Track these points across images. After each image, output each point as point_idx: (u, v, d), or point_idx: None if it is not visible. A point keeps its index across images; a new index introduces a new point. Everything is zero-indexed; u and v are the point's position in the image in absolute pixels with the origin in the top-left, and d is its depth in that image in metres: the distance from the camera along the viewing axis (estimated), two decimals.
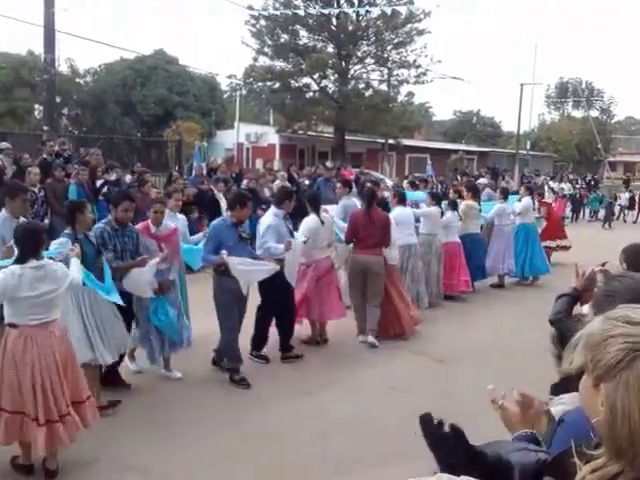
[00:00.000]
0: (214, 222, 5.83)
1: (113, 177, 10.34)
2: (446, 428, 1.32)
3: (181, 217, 6.43)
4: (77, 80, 33.43)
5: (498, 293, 9.87)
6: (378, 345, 6.63)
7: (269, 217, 6.11)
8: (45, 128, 13.52)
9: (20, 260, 3.66)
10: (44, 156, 10.27)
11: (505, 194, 10.54)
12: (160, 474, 3.94)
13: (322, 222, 6.51)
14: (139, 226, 5.47)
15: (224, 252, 5.25)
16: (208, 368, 5.83)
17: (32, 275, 3.62)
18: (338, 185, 8.68)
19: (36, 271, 3.66)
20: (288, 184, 13.92)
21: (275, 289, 5.80)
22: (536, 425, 1.64)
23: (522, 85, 34.24)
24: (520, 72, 40.56)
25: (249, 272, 5.38)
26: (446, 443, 1.30)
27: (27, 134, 21.17)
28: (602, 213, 23.55)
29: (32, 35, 67.74)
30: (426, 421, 1.33)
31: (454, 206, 9.22)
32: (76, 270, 4.04)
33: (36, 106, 32.32)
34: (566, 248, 12.23)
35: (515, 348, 6.60)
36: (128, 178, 11.96)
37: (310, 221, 6.50)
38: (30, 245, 3.71)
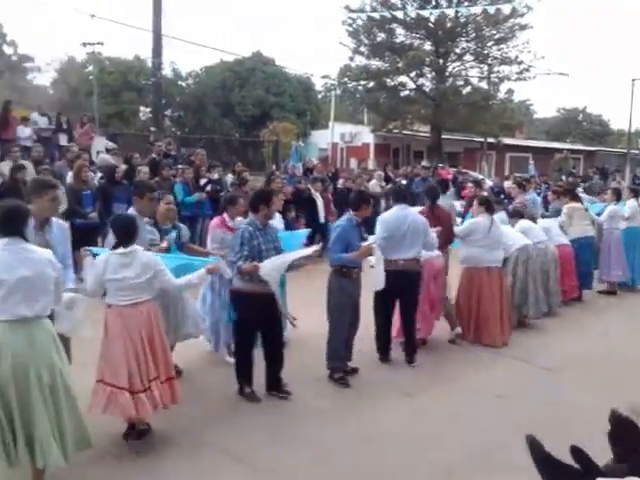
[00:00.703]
0: (339, 222, 5.67)
1: (215, 176, 10.57)
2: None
3: (277, 216, 6.43)
4: (179, 83, 34.82)
5: (608, 300, 9.26)
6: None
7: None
8: (152, 129, 14.13)
9: (113, 247, 4.05)
10: (153, 156, 10.66)
11: (617, 195, 9.81)
12: (266, 468, 4.00)
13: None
14: (216, 220, 5.69)
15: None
16: (308, 366, 5.73)
17: (117, 261, 3.98)
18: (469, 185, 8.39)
19: (122, 258, 3.99)
20: (384, 184, 13.77)
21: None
22: None
23: (634, 80, 32.31)
24: (631, 66, 38.18)
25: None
26: (556, 468, 1.18)
27: (135, 134, 22.29)
28: None
29: (139, 40, 71.44)
30: (532, 442, 1.20)
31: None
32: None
33: (141, 108, 34.04)
34: None
35: (626, 358, 6.23)
36: (229, 177, 12.22)
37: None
38: (121, 235, 4.07)
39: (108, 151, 12.47)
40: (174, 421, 4.43)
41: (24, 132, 13.26)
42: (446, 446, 4.32)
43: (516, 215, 8.01)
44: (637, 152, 33.72)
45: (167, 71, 31.67)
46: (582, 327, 7.66)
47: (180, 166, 10.73)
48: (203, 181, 10.42)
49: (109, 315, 4.02)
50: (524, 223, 7.81)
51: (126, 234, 4.06)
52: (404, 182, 14.59)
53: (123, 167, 9.49)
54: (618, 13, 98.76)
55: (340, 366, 5.50)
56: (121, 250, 4.00)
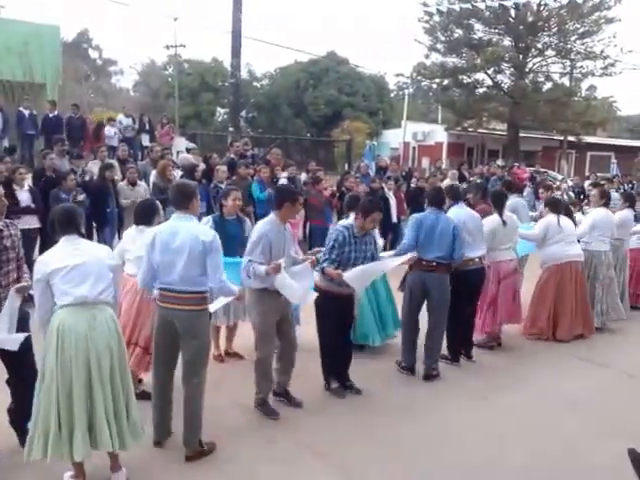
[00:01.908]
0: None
1: (284, 174, 10.65)
2: None
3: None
4: (254, 84, 35.51)
5: None
6: None
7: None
8: (230, 129, 14.42)
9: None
10: (231, 156, 10.89)
11: None
12: (337, 461, 4.05)
13: (504, 222, 6.19)
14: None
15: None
16: (384, 365, 5.80)
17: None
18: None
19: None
20: (458, 183, 13.50)
21: None
22: None
23: None
24: None
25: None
26: None
27: (212, 135, 22.88)
28: None
29: (217, 42, 73.23)
30: (635, 456, 1.28)
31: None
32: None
33: (218, 109, 34.95)
34: None
35: None
36: (303, 176, 12.32)
37: (490, 221, 6.21)
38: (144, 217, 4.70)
39: (188, 151, 12.84)
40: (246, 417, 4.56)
41: (110, 132, 13.91)
42: (522, 450, 4.25)
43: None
44: None
45: (243, 72, 32.44)
46: None
47: (256, 166, 10.91)
48: (280, 180, 10.54)
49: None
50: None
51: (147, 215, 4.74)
52: (479, 182, 14.24)
53: (202, 166, 9.71)
54: None
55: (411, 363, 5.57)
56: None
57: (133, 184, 8.38)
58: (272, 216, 4.49)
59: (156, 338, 3.99)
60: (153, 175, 9.07)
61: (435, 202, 5.50)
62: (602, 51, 24.40)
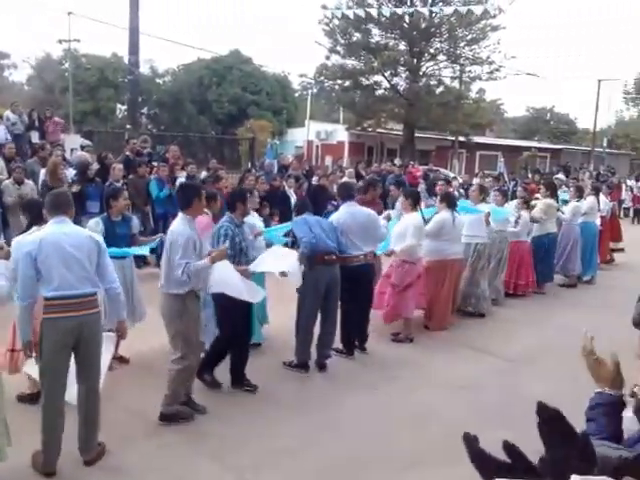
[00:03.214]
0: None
1: (183, 173, 10.74)
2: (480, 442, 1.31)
3: (255, 214, 6.48)
4: (157, 80, 34.89)
5: (568, 294, 9.61)
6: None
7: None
8: (128, 126, 14.31)
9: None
10: (127, 153, 10.86)
11: (580, 192, 10.28)
12: (230, 463, 4.02)
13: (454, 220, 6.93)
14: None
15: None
16: (271, 361, 5.85)
17: None
18: (392, 188, 8.73)
19: None
20: (354, 181, 14.16)
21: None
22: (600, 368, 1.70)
23: (599, 81, 33.24)
24: (597, 67, 39.33)
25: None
26: (489, 463, 1.28)
27: (111, 132, 22.39)
28: None
29: (116, 37, 70.93)
30: (467, 439, 1.30)
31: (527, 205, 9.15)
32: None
33: (118, 106, 34.05)
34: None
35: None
36: (203, 174, 12.43)
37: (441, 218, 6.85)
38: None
39: (82, 148, 12.65)
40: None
41: None
42: (411, 437, 4.37)
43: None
44: (601, 150, 34.67)
45: (144, 68, 31.78)
46: (543, 319, 7.88)
47: (155, 163, 10.95)
48: (180, 178, 10.64)
49: None
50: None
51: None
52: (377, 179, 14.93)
53: (96, 165, 9.62)
54: (585, 16, 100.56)
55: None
56: None
57: (19, 183, 8.29)
58: (182, 216, 4.43)
59: (54, 356, 3.64)
60: (42, 173, 8.96)
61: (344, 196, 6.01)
62: (488, 57, 26.16)
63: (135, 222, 5.62)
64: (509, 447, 1.24)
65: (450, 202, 7.18)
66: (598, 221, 10.69)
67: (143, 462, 3.96)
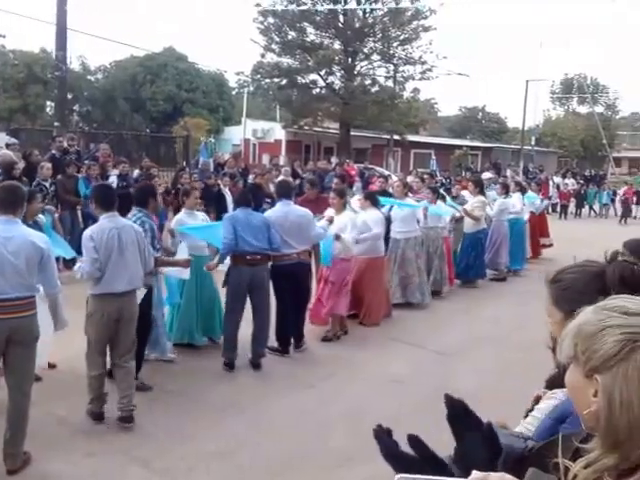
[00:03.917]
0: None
1: (115, 172, 10.62)
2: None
3: (200, 214, 6.45)
4: (88, 77, 33.98)
5: (498, 287, 9.91)
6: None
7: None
8: (56, 124, 13.93)
9: None
10: (53, 152, 10.61)
11: (506, 189, 10.68)
12: (160, 467, 3.95)
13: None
14: None
15: None
16: (200, 359, 5.86)
17: None
18: (335, 181, 8.94)
19: None
20: (291, 179, 14.31)
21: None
22: None
23: (527, 81, 34.56)
24: (526, 68, 40.89)
25: None
26: (399, 455, 1.28)
27: (38, 130, 21.67)
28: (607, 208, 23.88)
29: (45, 33, 68.46)
30: (378, 435, 1.31)
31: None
32: None
33: (48, 103, 32.95)
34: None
35: (516, 341, 6.50)
36: (136, 173, 12.29)
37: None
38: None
39: (7, 146, 12.26)
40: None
41: None
42: (345, 433, 4.38)
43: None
44: (530, 148, 36.07)
45: (75, 65, 30.90)
46: (474, 312, 8.08)
47: (86, 162, 10.76)
48: (112, 177, 10.50)
49: None
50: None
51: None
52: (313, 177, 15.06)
53: (22, 163, 9.38)
54: (514, 18, 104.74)
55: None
56: None
57: None
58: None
59: None
60: None
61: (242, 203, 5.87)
62: (420, 57, 26.83)
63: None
64: (414, 440, 1.23)
65: (374, 201, 7.36)
66: (526, 217, 11.10)
67: (69, 470, 3.85)
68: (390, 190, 9.14)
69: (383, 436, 1.32)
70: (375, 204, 7.33)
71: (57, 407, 4.65)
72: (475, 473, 1.05)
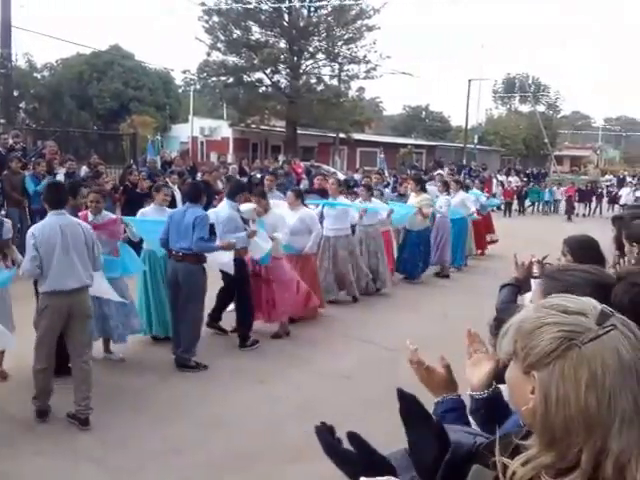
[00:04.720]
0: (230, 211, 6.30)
1: (62, 170, 10.71)
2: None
3: (169, 211, 6.42)
4: (34, 74, 33.40)
5: (443, 282, 10.16)
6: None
7: (225, 209, 6.37)
8: (1, 121, 14.00)
9: None
10: None
11: (447, 187, 10.90)
12: (113, 465, 3.96)
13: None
14: (80, 214, 5.57)
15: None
16: (153, 355, 5.96)
17: None
18: (268, 177, 9.19)
19: None
20: (238, 177, 14.69)
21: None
22: (477, 368, 1.64)
23: (470, 80, 35.57)
24: (468, 68, 42.01)
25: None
26: (340, 452, 1.29)
27: None
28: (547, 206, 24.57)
29: None
30: (321, 432, 1.30)
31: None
32: None
33: None
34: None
35: (461, 336, 6.99)
36: (84, 170, 12.44)
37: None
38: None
39: None
40: None
41: None
42: (295, 429, 4.35)
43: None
44: (472, 147, 37.09)
45: (21, 62, 30.36)
46: (421, 307, 8.21)
47: (33, 159, 10.90)
48: (59, 174, 10.64)
49: None
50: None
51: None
52: (259, 175, 15.38)
53: None
54: (458, 19, 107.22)
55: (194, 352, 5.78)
56: None
57: None
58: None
59: None
60: None
61: (191, 197, 5.85)
62: (365, 56, 27.40)
63: (7, 227, 5.29)
64: (353, 438, 1.24)
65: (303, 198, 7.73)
66: (469, 212, 11.29)
67: (18, 468, 3.85)
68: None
69: (325, 433, 1.31)
70: (303, 202, 7.56)
71: (5, 404, 4.69)
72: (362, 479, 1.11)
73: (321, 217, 8.12)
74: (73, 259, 4.36)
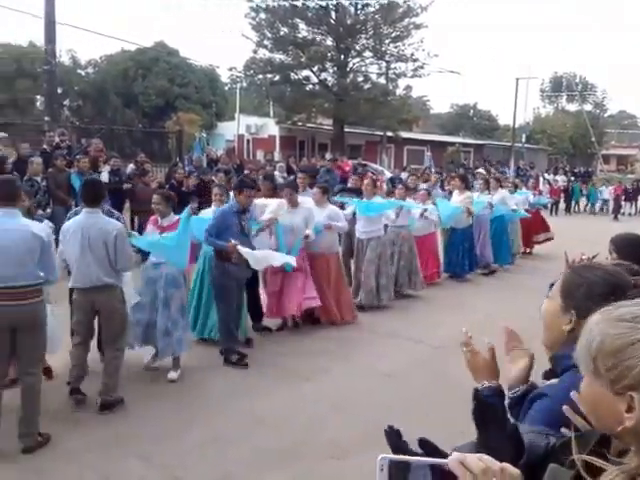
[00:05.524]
0: (222, 207, 6.02)
1: (107, 168, 10.55)
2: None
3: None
4: (78, 71, 33.65)
5: (488, 280, 10.16)
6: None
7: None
8: (46, 119, 13.80)
9: None
10: (44, 146, 10.52)
11: (487, 185, 10.87)
12: (159, 460, 4.01)
13: None
14: (151, 219, 5.67)
15: (234, 241, 5.53)
16: (202, 353, 5.95)
17: None
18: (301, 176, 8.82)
19: None
20: (286, 175, 14.25)
21: None
22: (514, 364, 1.74)
23: (517, 79, 34.73)
24: (516, 66, 41.15)
25: (258, 257, 5.69)
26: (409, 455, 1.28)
27: (28, 124, 21.41)
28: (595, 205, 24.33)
29: (34, 26, 67.81)
30: (390, 434, 1.30)
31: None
32: None
33: (38, 97, 32.58)
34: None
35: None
36: (130, 168, 12.21)
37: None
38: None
39: None
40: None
41: None
42: (336, 426, 4.45)
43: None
44: (520, 146, 36.21)
45: (65, 59, 30.57)
46: (465, 307, 8.15)
47: (77, 157, 10.67)
48: (104, 172, 10.44)
49: None
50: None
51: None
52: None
53: (13, 158, 9.30)
54: (505, 17, 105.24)
55: (233, 347, 5.79)
56: None
57: None
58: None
59: None
60: None
61: None
62: (412, 54, 26.80)
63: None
64: (424, 444, 1.24)
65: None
66: (511, 210, 11.05)
67: (68, 461, 3.92)
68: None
69: (393, 436, 1.30)
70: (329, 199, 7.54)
71: (49, 402, 4.55)
72: (455, 454, 1.03)
73: (353, 218, 8.01)
74: (89, 258, 4.48)
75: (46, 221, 5.57)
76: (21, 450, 3.92)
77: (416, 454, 1.21)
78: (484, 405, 1.28)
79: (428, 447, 1.22)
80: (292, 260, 6.03)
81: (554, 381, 1.61)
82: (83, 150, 11.51)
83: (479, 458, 1.01)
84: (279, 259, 5.92)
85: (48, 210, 9.15)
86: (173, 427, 4.41)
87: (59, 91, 21.92)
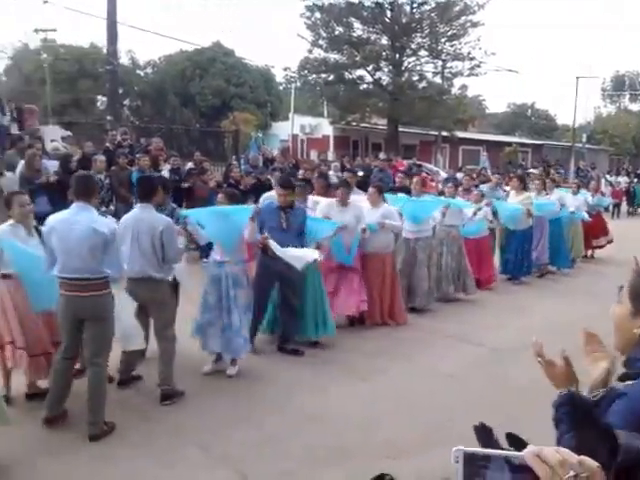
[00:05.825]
0: (265, 201, 6.19)
1: (167, 167, 10.76)
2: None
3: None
4: (138, 72, 34.54)
5: (547, 283, 9.97)
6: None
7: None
8: (108, 118, 14.21)
9: None
10: (107, 145, 10.82)
11: (545, 186, 10.61)
12: (218, 451, 4.07)
13: None
14: None
15: (265, 234, 5.56)
16: (259, 348, 6.00)
17: None
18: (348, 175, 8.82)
19: None
20: (341, 174, 14.20)
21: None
22: (594, 367, 1.73)
23: (578, 78, 33.78)
24: (576, 65, 40.01)
25: (287, 254, 5.58)
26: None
27: (91, 124, 22.13)
28: None
29: (94, 27, 70.05)
30: (479, 431, 1.30)
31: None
32: None
33: (98, 97, 33.63)
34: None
35: (569, 336, 6.45)
36: (188, 166, 12.42)
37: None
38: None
39: (64, 139, 12.56)
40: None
41: None
42: (392, 426, 4.41)
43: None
44: (580, 146, 35.12)
45: (124, 59, 31.43)
46: (524, 310, 8.00)
47: (137, 155, 10.94)
48: (165, 170, 10.65)
49: None
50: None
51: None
52: (361, 173, 14.92)
53: (77, 156, 9.56)
54: (564, 15, 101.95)
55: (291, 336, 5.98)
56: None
57: None
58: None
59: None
60: (21, 165, 8.87)
61: None
62: (469, 53, 26.35)
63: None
64: (512, 438, 1.23)
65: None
66: (569, 212, 10.79)
67: (133, 448, 4.04)
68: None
69: (483, 433, 1.30)
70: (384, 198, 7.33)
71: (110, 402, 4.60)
72: (531, 446, 1.01)
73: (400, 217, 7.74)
74: (137, 250, 4.64)
75: (109, 217, 5.76)
76: (88, 437, 4.04)
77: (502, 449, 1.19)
78: (576, 406, 1.28)
79: (517, 442, 1.21)
80: (317, 254, 5.87)
81: (632, 382, 1.59)
82: (144, 149, 11.77)
83: (556, 450, 0.99)
84: (310, 255, 5.77)
85: (111, 207, 9.40)
86: (231, 421, 4.47)
87: (119, 91, 22.54)
